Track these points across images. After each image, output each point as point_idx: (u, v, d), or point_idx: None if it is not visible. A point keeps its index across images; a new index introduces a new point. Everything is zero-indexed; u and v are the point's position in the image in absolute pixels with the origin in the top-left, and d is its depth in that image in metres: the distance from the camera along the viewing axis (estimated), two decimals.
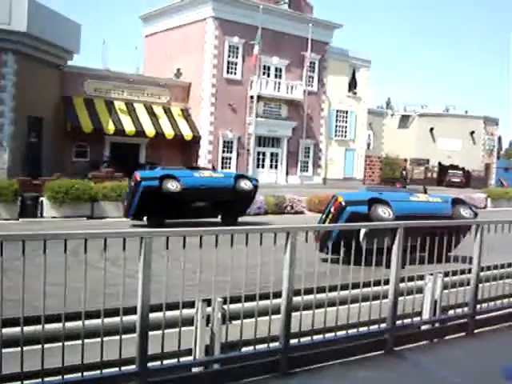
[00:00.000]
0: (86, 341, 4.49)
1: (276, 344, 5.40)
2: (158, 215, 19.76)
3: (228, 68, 41.48)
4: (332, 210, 15.20)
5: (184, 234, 4.82)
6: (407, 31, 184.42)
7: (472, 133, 64.53)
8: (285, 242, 5.20)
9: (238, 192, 20.67)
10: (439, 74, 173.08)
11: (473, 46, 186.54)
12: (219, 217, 21.26)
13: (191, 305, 5.49)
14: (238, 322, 5.34)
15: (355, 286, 6.13)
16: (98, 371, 4.53)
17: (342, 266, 5.92)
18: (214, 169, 25.74)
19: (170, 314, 5.12)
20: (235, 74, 41.74)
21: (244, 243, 5.10)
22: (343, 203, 15.08)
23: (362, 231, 6.33)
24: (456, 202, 16.59)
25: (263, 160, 43.59)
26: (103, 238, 4.46)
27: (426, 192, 17.05)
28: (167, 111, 40.08)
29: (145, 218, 20.35)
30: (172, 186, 19.08)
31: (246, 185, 21.00)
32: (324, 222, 15.11)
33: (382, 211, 14.89)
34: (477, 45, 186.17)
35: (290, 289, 5.25)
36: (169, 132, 38.81)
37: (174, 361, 4.99)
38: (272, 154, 44.25)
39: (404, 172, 43.33)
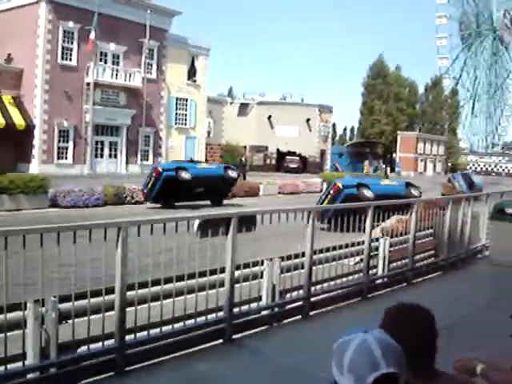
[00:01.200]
0: None
1: (111, 342, 5.23)
2: (171, 199, 25.12)
3: (63, 54, 39.75)
4: (331, 192, 20.04)
5: (6, 235, 4.49)
6: (247, 21, 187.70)
7: (308, 120, 67.13)
8: (116, 237, 5.02)
9: (226, 179, 27.19)
10: (280, 63, 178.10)
11: (311, 37, 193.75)
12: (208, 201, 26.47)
13: (23, 306, 5.12)
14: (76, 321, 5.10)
15: (191, 276, 6.06)
16: None
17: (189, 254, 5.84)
18: (207, 161, 32.27)
19: None
20: (71, 60, 40.12)
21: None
22: (341, 187, 20.15)
23: (196, 222, 6.28)
24: (408, 184, 22.67)
25: (102, 149, 42.38)
26: None
27: (387, 177, 24.04)
28: None
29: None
30: (185, 175, 24.99)
31: (232, 173, 27.70)
32: (323, 202, 19.46)
33: (367, 192, 19.85)
34: (314, 36, 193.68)
35: (124, 284, 5.10)
36: None
37: (1, 369, 4.66)
38: (111, 143, 43.15)
39: (243, 159, 44.15)
